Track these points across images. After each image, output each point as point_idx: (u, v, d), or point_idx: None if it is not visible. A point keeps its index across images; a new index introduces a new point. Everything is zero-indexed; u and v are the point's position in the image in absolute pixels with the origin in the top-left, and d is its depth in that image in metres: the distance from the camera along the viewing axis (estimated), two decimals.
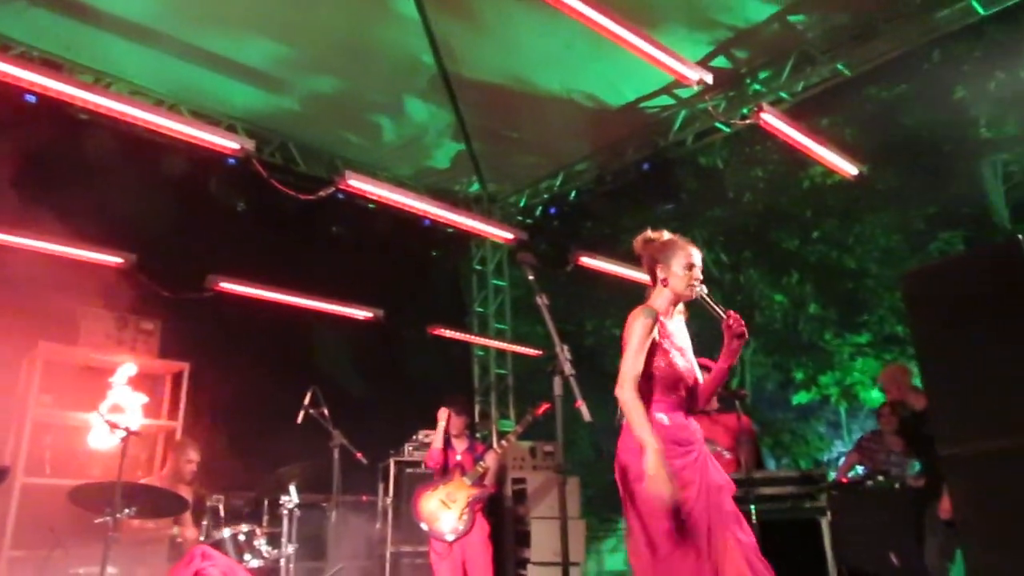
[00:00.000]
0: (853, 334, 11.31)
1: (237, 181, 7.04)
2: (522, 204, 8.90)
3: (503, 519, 6.45)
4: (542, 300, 3.29)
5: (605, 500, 14.50)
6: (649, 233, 3.34)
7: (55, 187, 6.03)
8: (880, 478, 5.37)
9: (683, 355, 3.18)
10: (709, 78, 5.45)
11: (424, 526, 5.44)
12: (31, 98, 6.04)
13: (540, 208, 8.93)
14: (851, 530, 4.37)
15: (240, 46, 6.32)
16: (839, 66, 6.47)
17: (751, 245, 12.69)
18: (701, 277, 3.18)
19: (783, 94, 6.79)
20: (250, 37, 6.23)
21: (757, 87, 6.89)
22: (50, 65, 5.77)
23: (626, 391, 3.02)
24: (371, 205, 8.01)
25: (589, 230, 11.88)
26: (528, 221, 8.96)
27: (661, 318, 3.15)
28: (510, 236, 6.89)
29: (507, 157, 8.46)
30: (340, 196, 7.38)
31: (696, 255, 3.21)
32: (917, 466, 5.28)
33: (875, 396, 10.79)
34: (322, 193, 6.42)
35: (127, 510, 4.12)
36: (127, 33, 6.00)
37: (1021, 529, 3.69)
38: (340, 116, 7.47)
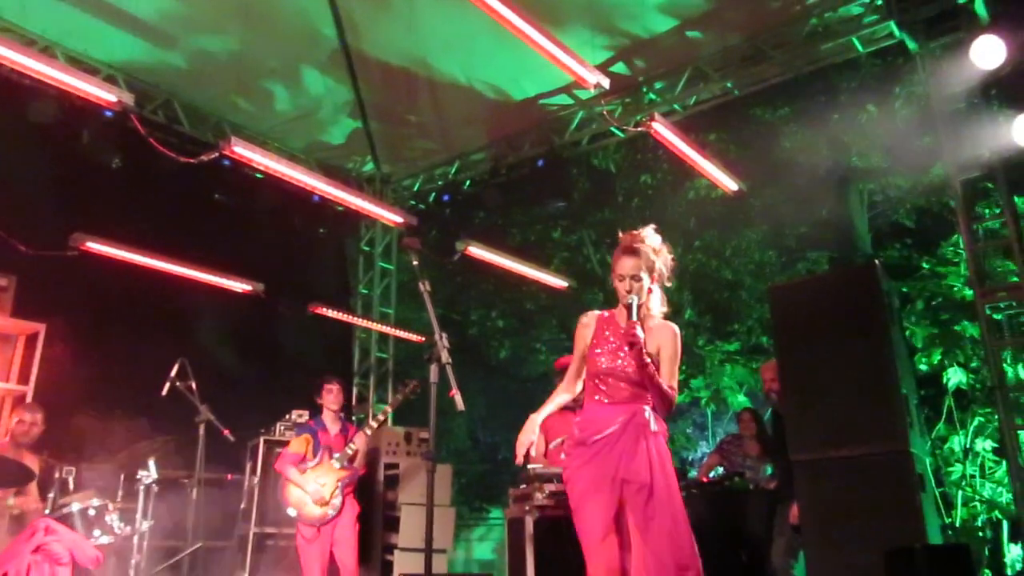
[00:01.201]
0: (724, 342, 11.85)
1: (113, 136, 6.61)
2: (416, 188, 8.84)
3: (373, 503, 6.40)
4: (424, 287, 3.31)
5: (477, 489, 14.65)
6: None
7: None
8: (737, 479, 5.66)
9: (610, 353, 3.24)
10: (606, 83, 5.58)
11: (292, 512, 5.32)
12: None
13: (433, 194, 8.89)
14: (706, 527, 4.60)
15: None
16: (728, 84, 6.76)
17: None
18: (627, 288, 3.20)
19: (676, 106, 7.04)
20: None
21: (652, 96, 7.11)
22: None
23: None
24: (258, 175, 7.73)
25: (480, 220, 11.91)
26: (421, 206, 8.91)
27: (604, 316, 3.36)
28: (401, 220, 6.83)
29: (404, 140, 8.39)
30: (226, 163, 7.08)
31: (622, 264, 3.24)
32: (770, 470, 5.60)
33: (740, 400, 11.36)
34: (204, 157, 6.14)
35: None
36: None
37: (853, 531, 4.01)
38: (231, 79, 7.18)
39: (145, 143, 6.53)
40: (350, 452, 5.48)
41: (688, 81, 6.88)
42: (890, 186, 11.03)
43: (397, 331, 8.54)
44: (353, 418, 7.74)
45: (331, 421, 5.63)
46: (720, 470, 6.08)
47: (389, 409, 5.57)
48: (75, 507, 4.38)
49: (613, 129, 7.48)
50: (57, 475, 4.79)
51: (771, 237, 11.72)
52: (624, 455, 3.04)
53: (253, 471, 6.24)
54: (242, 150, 5.28)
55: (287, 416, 6.52)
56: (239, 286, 6.72)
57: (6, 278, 5.86)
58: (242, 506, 6.29)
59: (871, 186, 11.31)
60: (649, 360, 3.07)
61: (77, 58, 6.33)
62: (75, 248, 5.81)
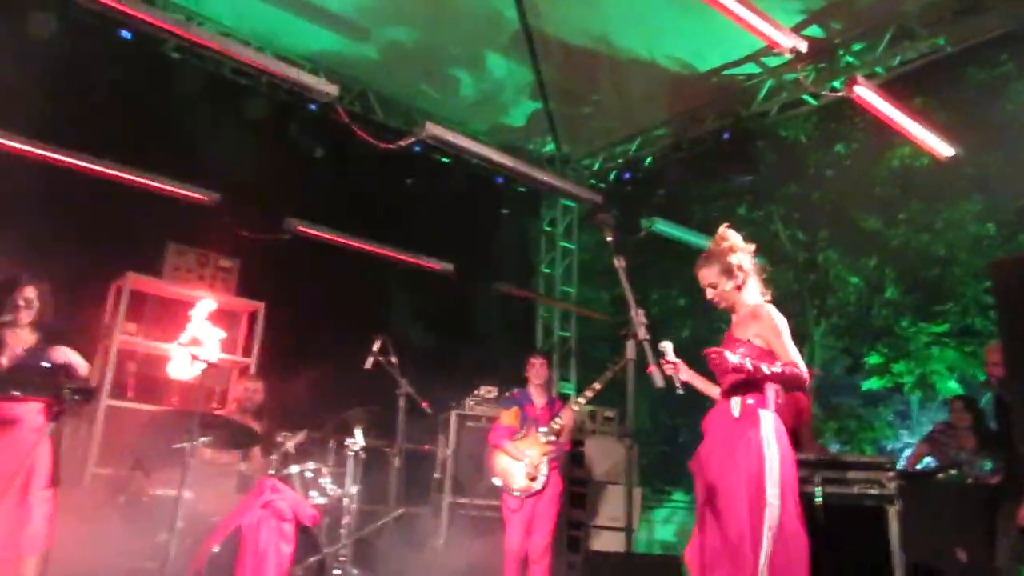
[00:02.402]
0: (930, 323, 10.90)
1: (316, 127, 7.15)
2: (595, 167, 8.80)
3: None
4: (619, 262, 3.27)
5: (657, 470, 14.50)
6: None
7: (146, 124, 6.21)
8: (952, 472, 5.20)
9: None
10: (803, 46, 5.26)
11: (498, 481, 5.48)
12: (126, 35, 6.23)
13: (613, 173, 8.81)
14: (918, 522, 4.26)
15: None
16: (940, 41, 6.16)
17: (829, 224, 12.32)
18: (709, 297, 3.44)
19: (878, 68, 6.51)
20: None
21: (850, 59, 6.62)
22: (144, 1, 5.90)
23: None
24: (445, 160, 8.06)
25: (661, 197, 11.68)
26: (601, 185, 8.87)
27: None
28: (585, 197, 6.83)
29: (584, 119, 8.37)
30: (416, 149, 7.43)
31: (698, 279, 3.45)
32: (989, 465, 5.11)
33: (952, 387, 10.42)
34: (403, 143, 6.46)
35: (203, 439, 4.29)
36: None
37: None
38: (419, 67, 7.48)
39: (344, 132, 7.00)
40: (556, 427, 5.48)
41: (891, 40, 6.33)
42: None
43: (580, 309, 8.58)
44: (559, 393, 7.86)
45: (537, 395, 5.68)
46: (929, 461, 5.62)
47: (598, 386, 5.51)
48: (294, 469, 4.79)
49: (805, 97, 7.06)
50: (277, 440, 5.22)
51: (988, 208, 10.61)
52: (702, 448, 3.26)
53: (446, 443, 6.51)
54: (438, 133, 5.49)
55: (476, 392, 6.74)
56: (432, 265, 7.03)
57: (231, 261, 6.48)
58: (436, 476, 6.59)
59: None
60: (737, 360, 3.08)
61: (283, 56, 6.83)
62: (289, 232, 6.33)
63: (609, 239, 3.20)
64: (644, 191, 9.30)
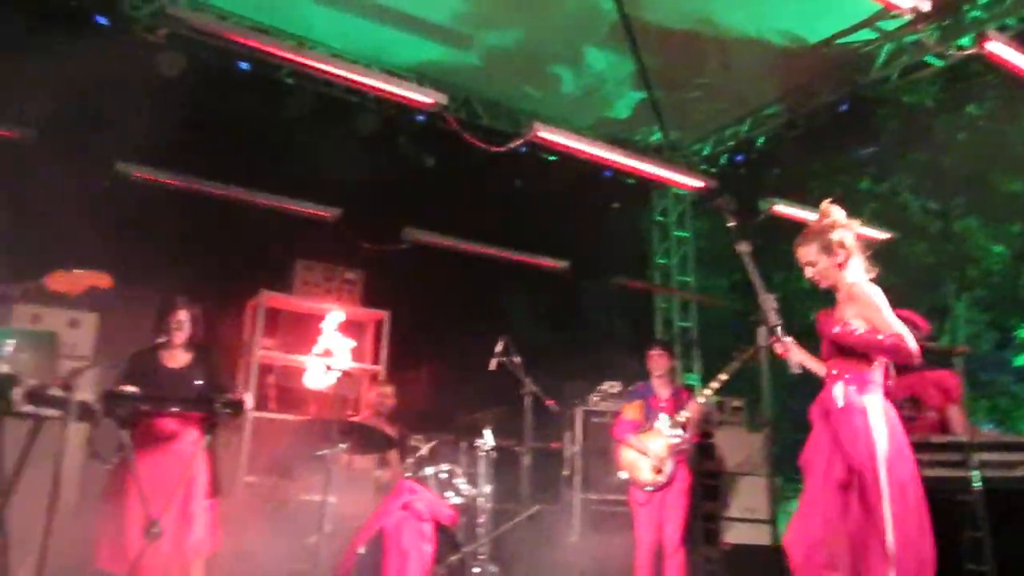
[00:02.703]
0: None
1: (424, 137, 7.33)
2: (705, 153, 8.60)
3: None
4: (743, 247, 3.19)
5: (791, 459, 13.99)
6: None
7: (267, 147, 6.55)
8: None
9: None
10: (926, 5, 4.95)
11: (624, 475, 5.44)
12: (244, 66, 6.58)
13: (725, 156, 8.59)
14: None
15: (425, 2, 6.51)
16: None
17: (965, 190, 11.53)
18: (809, 275, 3.36)
19: (1008, 20, 6.06)
20: None
21: (977, 13, 6.19)
22: (259, 32, 6.21)
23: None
24: (551, 158, 8.08)
25: (777, 178, 11.26)
26: (712, 170, 8.65)
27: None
28: (698, 184, 6.69)
29: (690, 104, 8.18)
30: (522, 150, 7.49)
31: (797, 256, 3.37)
32: None
33: None
34: (512, 145, 6.53)
35: (342, 445, 4.47)
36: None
37: None
38: (520, 69, 7.53)
39: (451, 140, 7.15)
40: (682, 419, 5.39)
41: None
42: None
43: (699, 298, 8.42)
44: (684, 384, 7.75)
45: (660, 387, 5.60)
46: None
47: (725, 376, 5.38)
48: (429, 470, 4.92)
49: (929, 59, 6.65)
50: (409, 443, 5.39)
51: None
52: (809, 444, 3.23)
53: (572, 440, 6.52)
54: (546, 133, 5.53)
55: (600, 387, 6.72)
56: (547, 264, 7.07)
57: (355, 273, 6.76)
58: (565, 473, 6.61)
59: None
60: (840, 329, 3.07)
61: (391, 71, 7.02)
62: (408, 242, 6.52)
63: (730, 225, 3.13)
64: (759, 173, 9.00)
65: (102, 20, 5.98)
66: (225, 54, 6.34)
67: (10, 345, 3.63)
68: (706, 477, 6.48)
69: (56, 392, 3.41)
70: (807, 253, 3.30)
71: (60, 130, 5.68)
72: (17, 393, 3.38)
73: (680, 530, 5.31)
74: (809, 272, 3.31)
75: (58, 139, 5.69)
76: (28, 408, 3.51)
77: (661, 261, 8.85)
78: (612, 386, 6.68)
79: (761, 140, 8.11)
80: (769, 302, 2.91)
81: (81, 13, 5.88)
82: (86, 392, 3.75)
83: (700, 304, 8.72)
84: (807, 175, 12.06)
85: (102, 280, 3.20)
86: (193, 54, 6.19)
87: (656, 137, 8.64)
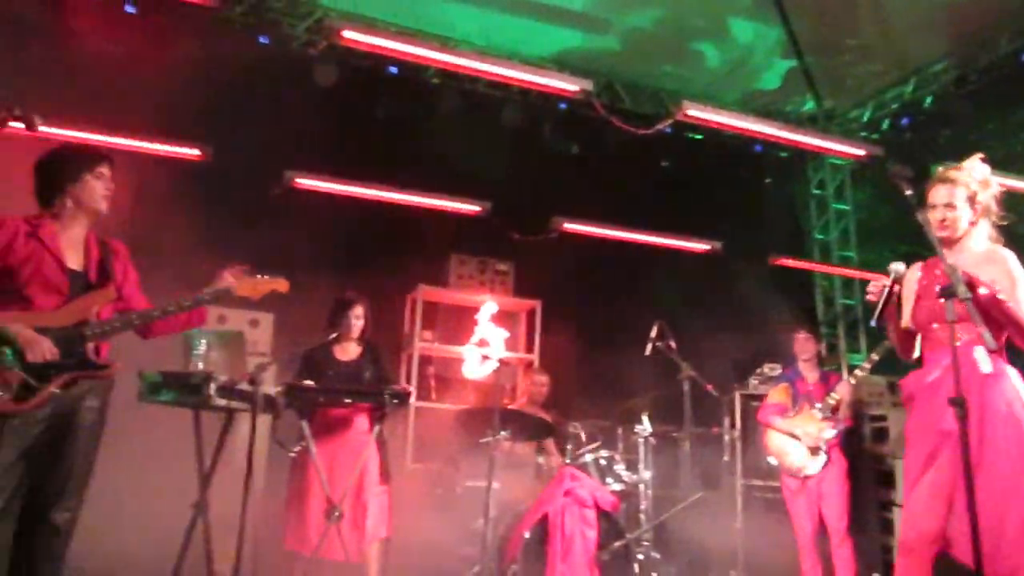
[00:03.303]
0: None
1: (568, 126, 7.34)
2: (865, 119, 8.06)
3: (861, 458, 6.05)
4: (925, 217, 2.98)
5: None
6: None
7: (418, 147, 6.78)
8: None
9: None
10: None
11: (773, 460, 5.30)
12: (393, 70, 6.84)
13: (887, 121, 8.02)
14: None
15: None
16: None
17: None
18: (940, 217, 3.05)
19: None
20: None
21: None
22: (405, 35, 6.44)
23: None
24: (697, 136, 7.87)
25: (947, 140, 10.40)
26: (874, 136, 8.12)
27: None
28: (858, 152, 6.31)
29: (845, 68, 7.73)
30: (667, 131, 7.34)
31: (934, 193, 3.08)
32: None
33: None
34: (659, 126, 6.42)
35: (503, 432, 4.58)
36: None
37: None
38: (661, 48, 7.38)
39: (594, 126, 7.13)
40: (832, 402, 5.18)
41: None
42: None
43: (863, 273, 7.94)
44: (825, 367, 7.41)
45: (808, 370, 5.43)
46: None
47: (875, 356, 5.11)
48: (589, 457, 4.96)
49: None
50: (567, 430, 5.43)
51: None
52: (946, 405, 2.72)
53: (732, 425, 6.35)
54: (695, 112, 5.41)
55: (759, 370, 6.51)
56: (698, 246, 6.92)
57: (506, 264, 6.91)
58: (725, 458, 6.45)
59: None
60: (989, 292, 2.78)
61: (531, 63, 7.07)
62: (556, 230, 6.57)
63: (908, 193, 2.91)
64: (927, 136, 8.34)
65: (264, 40, 6.40)
66: (375, 60, 6.62)
67: (203, 345, 3.98)
68: (877, 462, 6.12)
69: (244, 387, 3.70)
70: (952, 195, 3.05)
71: (232, 145, 6.15)
72: (211, 389, 3.70)
73: (844, 518, 5.06)
74: (942, 215, 3.04)
75: (230, 153, 6.16)
76: (221, 402, 3.85)
77: (819, 236, 8.42)
78: (772, 368, 6.44)
79: (929, 100, 7.51)
80: (957, 273, 2.69)
81: (247, 35, 6.31)
82: (269, 386, 4.05)
83: (865, 280, 8.22)
84: (985, 134, 11.05)
85: (281, 284, 3.44)
86: (345, 63, 6.51)
87: (810, 106, 8.22)
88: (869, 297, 3.12)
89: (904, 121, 7.88)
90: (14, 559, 2.73)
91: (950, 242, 3.05)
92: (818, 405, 5.23)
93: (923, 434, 2.95)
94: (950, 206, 3.05)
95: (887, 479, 6.04)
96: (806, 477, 5.12)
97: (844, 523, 5.06)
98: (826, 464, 5.12)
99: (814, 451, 5.12)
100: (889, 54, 7.33)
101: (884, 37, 7.13)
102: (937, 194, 3.08)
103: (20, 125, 2.51)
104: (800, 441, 5.15)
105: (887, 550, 5.88)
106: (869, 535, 5.80)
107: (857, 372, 5.23)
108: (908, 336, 3.23)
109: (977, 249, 3.07)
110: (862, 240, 8.52)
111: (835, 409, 5.21)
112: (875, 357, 5.16)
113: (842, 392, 5.22)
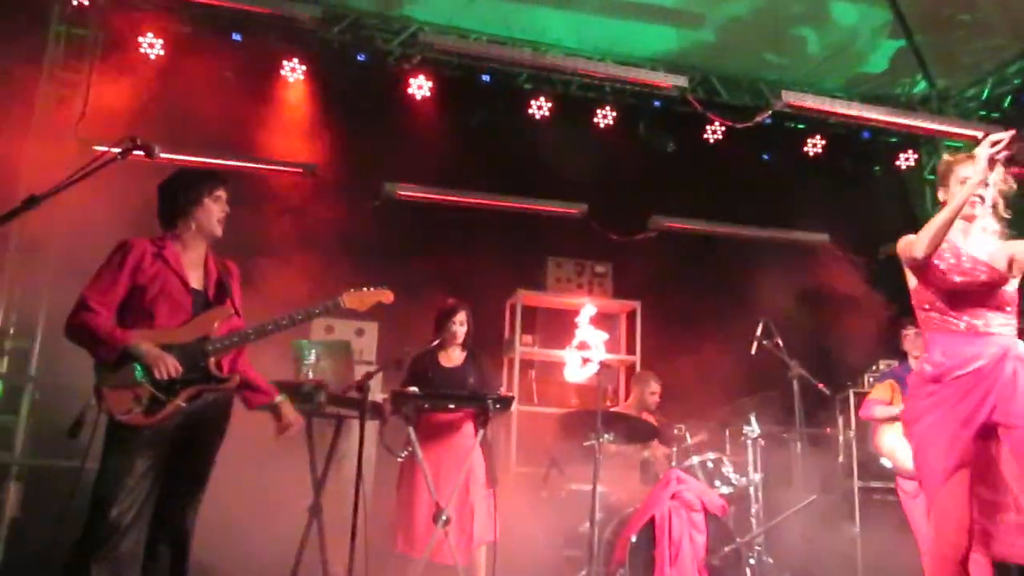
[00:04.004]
0: None
1: (663, 123, 7.23)
2: (984, 96, 7.57)
3: None
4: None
5: None
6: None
7: (513, 153, 6.84)
8: None
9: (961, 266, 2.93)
10: None
11: (886, 462, 5.02)
12: (485, 78, 6.93)
13: (1009, 98, 7.51)
14: None
15: None
16: None
17: None
18: (983, 195, 2.93)
19: None
20: None
21: None
22: (498, 43, 6.50)
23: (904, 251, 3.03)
24: (800, 126, 7.60)
25: None
26: (994, 115, 7.61)
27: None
28: (977, 134, 5.93)
29: (959, 44, 7.25)
30: (767, 122, 7.12)
31: (966, 166, 2.94)
32: None
33: None
34: (759, 118, 6.25)
35: (606, 435, 4.56)
36: (553, 3, 6.50)
37: None
38: (758, 37, 7.13)
39: (690, 123, 7.00)
40: None
41: None
42: None
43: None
44: None
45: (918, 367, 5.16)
46: None
47: None
48: (695, 460, 4.86)
49: None
50: (672, 432, 5.35)
51: None
52: (998, 396, 2.74)
53: (847, 424, 6.10)
54: (796, 100, 5.24)
55: (874, 367, 6.22)
56: (805, 238, 6.69)
57: (604, 266, 6.88)
58: (840, 460, 6.21)
59: None
60: None
61: (624, 61, 6.99)
62: (654, 230, 6.48)
63: None
64: None
65: (362, 57, 6.61)
66: (468, 70, 6.72)
67: (313, 355, 4.15)
68: None
69: (353, 394, 3.83)
70: (1000, 175, 2.96)
71: (334, 160, 6.39)
72: (322, 397, 3.85)
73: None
74: (982, 191, 2.92)
75: (334, 168, 6.40)
76: (331, 409, 3.99)
77: None
78: (888, 365, 6.15)
79: None
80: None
81: (346, 54, 6.53)
82: (376, 393, 4.18)
83: None
84: None
85: (386, 296, 3.53)
86: (439, 75, 6.64)
87: (921, 88, 7.78)
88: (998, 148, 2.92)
89: None
90: (145, 564, 2.92)
91: (967, 220, 2.99)
92: None
93: (951, 424, 2.81)
94: (995, 185, 3.00)
95: None
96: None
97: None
98: None
99: None
100: (1008, 24, 6.85)
101: (1002, 7, 6.68)
102: (986, 170, 2.93)
103: (141, 153, 2.68)
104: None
105: None
106: None
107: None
108: None
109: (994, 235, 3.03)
110: None
111: None
112: None
113: None
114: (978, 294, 2.89)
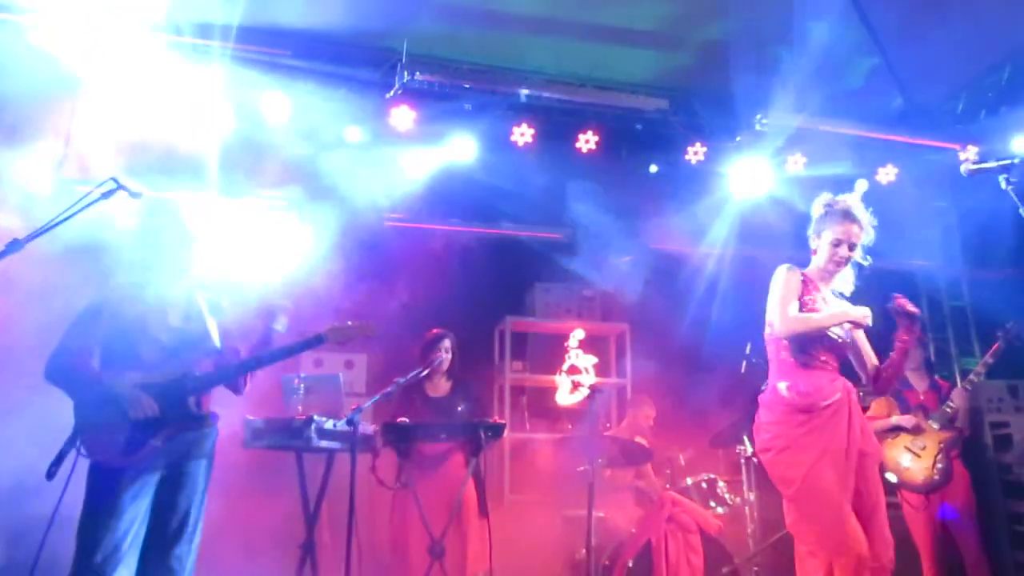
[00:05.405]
0: None
1: (645, 146, 7.26)
2: (959, 111, 7.67)
3: (985, 468, 5.69)
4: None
5: None
6: (823, 198, 3.47)
7: (496, 181, 6.84)
8: None
9: None
10: None
11: (892, 476, 5.03)
12: (467, 106, 6.94)
13: (983, 110, 7.60)
14: None
15: (632, 13, 6.46)
16: None
17: None
18: (848, 255, 3.31)
19: None
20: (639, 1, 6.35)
21: None
22: (478, 72, 6.54)
23: (783, 326, 3.28)
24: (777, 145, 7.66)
25: None
26: (970, 127, 7.70)
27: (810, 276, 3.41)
28: (954, 147, 6.03)
29: (933, 60, 7.36)
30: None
31: (846, 229, 3.27)
32: None
33: None
34: (738, 138, 6.31)
35: (599, 459, 4.54)
36: (534, 29, 6.55)
37: None
38: (735, 58, 7.21)
39: (672, 145, 7.04)
40: (949, 411, 4.92)
41: None
42: None
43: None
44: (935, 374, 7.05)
45: (916, 379, 5.18)
46: None
47: (989, 359, 4.83)
48: (689, 481, 4.84)
49: None
50: (665, 454, 5.33)
51: None
52: (857, 427, 3.19)
53: None
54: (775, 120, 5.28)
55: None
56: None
57: (592, 290, 6.87)
58: None
59: None
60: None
61: (605, 86, 7.02)
62: (639, 252, 6.48)
63: None
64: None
65: None
66: (448, 99, 6.74)
67: (302, 389, 4.12)
68: (1002, 472, 5.73)
69: (343, 428, 3.81)
70: (858, 235, 3.40)
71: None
72: (312, 431, 3.82)
73: (974, 536, 4.76)
74: (844, 253, 3.37)
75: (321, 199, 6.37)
76: (323, 443, 3.96)
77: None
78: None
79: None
80: None
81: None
82: (367, 426, 4.15)
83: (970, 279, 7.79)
84: None
85: (369, 329, 3.53)
86: (422, 103, 6.65)
87: (897, 103, 7.87)
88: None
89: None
90: None
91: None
92: (933, 415, 4.97)
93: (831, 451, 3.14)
94: (852, 247, 3.41)
95: (1015, 490, 5.66)
96: (928, 493, 4.85)
97: (975, 541, 4.77)
98: (948, 478, 4.84)
99: (933, 466, 4.84)
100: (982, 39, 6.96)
101: (975, 22, 6.78)
102: (850, 230, 3.35)
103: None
104: (918, 455, 4.89)
105: (1020, 567, 5.50)
106: (1000, 552, 5.43)
107: (972, 377, 4.95)
108: None
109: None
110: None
111: (952, 418, 4.94)
112: (990, 360, 4.91)
113: (958, 400, 4.94)
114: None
